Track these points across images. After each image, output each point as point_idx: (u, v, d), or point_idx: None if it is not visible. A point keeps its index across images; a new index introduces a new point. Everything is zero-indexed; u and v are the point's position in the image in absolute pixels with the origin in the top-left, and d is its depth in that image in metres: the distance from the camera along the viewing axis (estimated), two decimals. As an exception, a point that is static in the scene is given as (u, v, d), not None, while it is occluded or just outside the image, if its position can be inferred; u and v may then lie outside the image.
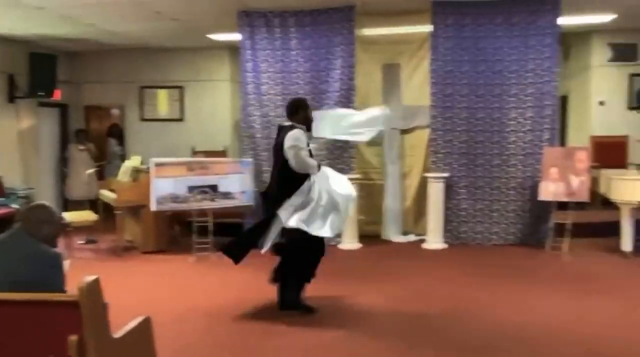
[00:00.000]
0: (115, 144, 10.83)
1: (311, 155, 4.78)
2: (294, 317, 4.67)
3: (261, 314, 4.82)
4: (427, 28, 7.59)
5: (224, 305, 5.08)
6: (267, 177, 7.77)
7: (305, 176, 4.64)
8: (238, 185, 7.29)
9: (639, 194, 6.40)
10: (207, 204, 7.06)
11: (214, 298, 5.33)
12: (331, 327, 4.46)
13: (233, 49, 9.63)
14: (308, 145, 4.76)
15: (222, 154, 9.87)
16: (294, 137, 4.62)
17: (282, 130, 4.78)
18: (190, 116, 10.81)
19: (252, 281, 5.91)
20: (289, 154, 4.60)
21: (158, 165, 6.92)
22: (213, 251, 6.97)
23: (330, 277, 5.99)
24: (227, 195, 7.23)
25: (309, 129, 4.88)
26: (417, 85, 7.95)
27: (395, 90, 8.10)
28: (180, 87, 10.82)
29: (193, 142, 10.34)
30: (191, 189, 7.02)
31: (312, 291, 5.09)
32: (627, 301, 5.01)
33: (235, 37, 8.16)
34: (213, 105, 10.69)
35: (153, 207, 6.85)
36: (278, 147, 4.74)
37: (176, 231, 8.18)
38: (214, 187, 7.16)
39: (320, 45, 7.74)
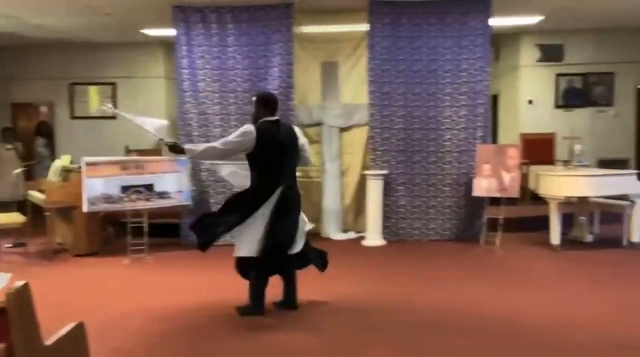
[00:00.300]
0: (43, 145, 10.40)
1: None
2: (233, 320, 4.61)
3: (198, 317, 4.73)
4: (365, 27, 7.67)
5: (160, 308, 4.95)
6: (205, 176, 7.69)
7: None
8: (175, 184, 7.14)
9: (566, 190, 6.68)
10: (142, 205, 6.87)
11: (149, 301, 5.19)
12: (274, 328, 4.43)
13: (168, 45, 9.43)
14: None
15: (157, 152, 9.64)
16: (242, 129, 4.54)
17: (283, 126, 4.65)
18: (124, 114, 10.50)
19: (189, 283, 5.82)
20: (308, 148, 4.73)
21: (90, 164, 6.68)
22: (149, 253, 6.82)
23: (271, 278, 5.97)
24: (163, 195, 7.07)
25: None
26: (356, 84, 8.02)
27: (334, 88, 8.14)
28: (112, 84, 10.50)
29: (127, 140, 10.05)
30: (125, 189, 6.82)
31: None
32: (556, 291, 5.22)
33: (170, 32, 7.98)
34: (148, 103, 10.43)
35: (85, 208, 6.61)
36: (294, 143, 4.61)
37: (110, 233, 7.93)
38: (149, 187, 6.98)
39: (258, 43, 7.68)
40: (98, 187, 6.66)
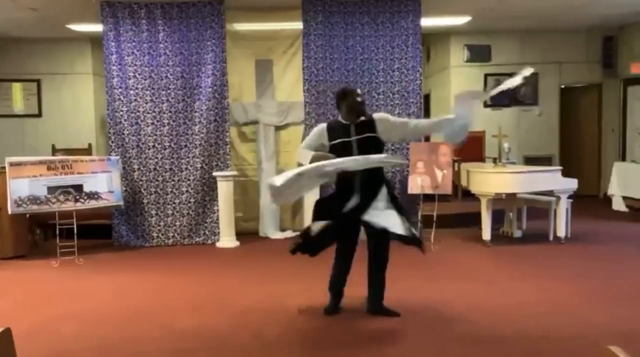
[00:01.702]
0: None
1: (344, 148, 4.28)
2: (168, 324, 4.50)
3: (132, 320, 4.59)
4: (299, 25, 7.66)
5: (92, 311, 4.77)
6: (137, 175, 7.47)
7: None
8: (105, 184, 6.92)
9: (495, 186, 6.90)
10: (71, 205, 6.62)
11: (80, 304, 5.00)
12: (211, 329, 4.35)
13: (95, 41, 9.10)
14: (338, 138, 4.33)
15: (86, 151, 9.32)
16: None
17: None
18: (49, 112, 10.08)
19: (122, 285, 5.65)
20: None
21: (13, 164, 6.37)
22: (79, 255, 6.57)
23: (212, 277, 5.90)
24: (93, 195, 6.84)
25: (360, 115, 4.36)
26: (291, 82, 8.01)
27: (269, 86, 8.09)
28: (37, 81, 10.04)
29: (53, 139, 9.64)
30: (52, 189, 6.54)
31: (190, 289, 4.92)
32: (486, 284, 5.39)
33: (98, 28, 7.70)
34: (75, 100, 10.05)
35: (10, 209, 6.30)
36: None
37: (37, 235, 7.58)
38: (78, 187, 6.74)
39: (190, 39, 7.53)
40: (23, 188, 6.40)
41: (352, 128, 4.35)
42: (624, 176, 9.44)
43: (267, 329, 4.31)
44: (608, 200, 9.75)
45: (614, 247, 6.92)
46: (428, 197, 7.41)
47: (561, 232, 7.10)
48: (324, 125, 4.50)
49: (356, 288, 4.68)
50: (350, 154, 4.22)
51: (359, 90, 4.49)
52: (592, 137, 11.07)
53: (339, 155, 4.17)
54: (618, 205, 9.51)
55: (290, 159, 8.11)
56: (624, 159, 10.30)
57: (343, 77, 7.69)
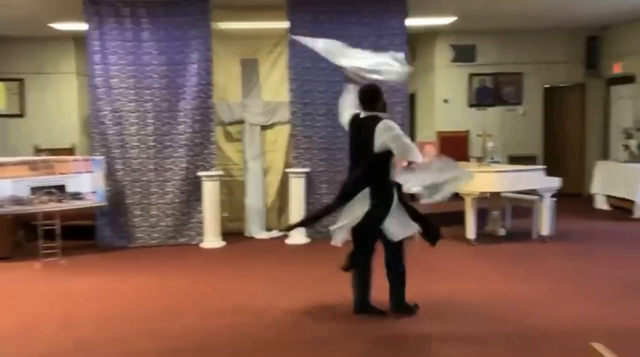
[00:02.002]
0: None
1: None
2: (153, 328, 4.47)
3: (114, 323, 4.54)
4: (285, 24, 7.63)
5: (73, 314, 4.72)
6: (121, 176, 7.42)
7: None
8: (88, 185, 6.86)
9: (479, 185, 6.92)
10: (53, 206, 6.54)
11: (62, 305, 4.95)
12: (196, 330, 4.32)
13: (79, 40, 9.00)
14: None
15: (69, 152, 9.25)
16: (392, 127, 4.29)
17: (364, 123, 4.41)
18: (33, 111, 9.98)
19: (105, 287, 5.60)
20: (393, 143, 4.23)
21: (-5, 165, 6.28)
22: (62, 256, 6.50)
23: (197, 278, 5.86)
24: (76, 195, 6.78)
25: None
26: (276, 81, 7.98)
27: (255, 85, 8.06)
28: (20, 80, 9.93)
29: (36, 139, 9.54)
30: (35, 190, 6.47)
31: (175, 290, 4.89)
32: (473, 283, 5.41)
33: (81, 27, 7.62)
34: (58, 99, 9.95)
35: (-9, 211, 6.21)
36: (366, 142, 4.31)
37: (20, 236, 7.47)
38: (61, 188, 6.67)
39: (175, 38, 7.48)
40: (6, 189, 6.34)
41: None
42: (606, 175, 9.53)
43: (253, 330, 4.29)
44: (591, 199, 9.84)
45: (597, 245, 6.99)
46: (413, 196, 7.40)
47: (545, 231, 7.15)
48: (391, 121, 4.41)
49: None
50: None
51: None
52: (576, 137, 11.17)
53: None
54: (601, 204, 9.61)
55: (276, 158, 8.09)
56: (606, 158, 10.40)
57: (329, 76, 7.65)
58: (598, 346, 2.12)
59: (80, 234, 7.49)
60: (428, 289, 5.25)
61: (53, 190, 6.60)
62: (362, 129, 4.41)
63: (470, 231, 7.02)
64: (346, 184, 4.59)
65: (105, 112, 7.43)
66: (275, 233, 7.88)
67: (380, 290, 4.57)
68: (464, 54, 10.48)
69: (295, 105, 7.64)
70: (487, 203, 7.59)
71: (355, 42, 7.59)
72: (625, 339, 3.73)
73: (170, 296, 5.24)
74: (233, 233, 7.76)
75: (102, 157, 7.24)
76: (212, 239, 7.35)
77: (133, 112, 7.47)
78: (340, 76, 7.59)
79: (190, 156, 7.47)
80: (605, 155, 10.57)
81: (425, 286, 5.35)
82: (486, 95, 10.66)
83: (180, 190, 7.49)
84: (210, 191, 7.33)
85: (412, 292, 5.04)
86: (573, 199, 10.15)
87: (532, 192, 7.21)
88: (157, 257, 6.90)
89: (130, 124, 7.46)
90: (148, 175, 7.48)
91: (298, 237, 7.45)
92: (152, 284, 5.67)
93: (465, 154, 9.87)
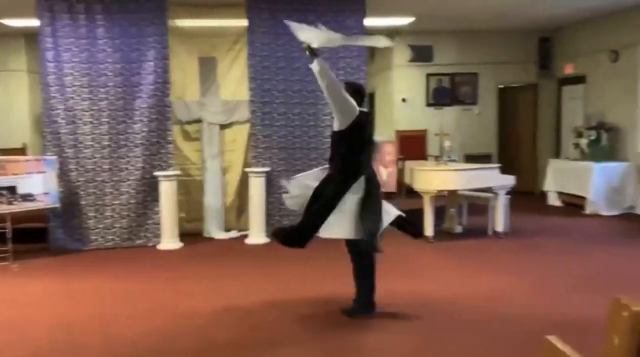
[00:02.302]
0: None
1: None
2: (110, 328, 4.37)
3: (68, 330, 4.42)
4: (243, 22, 7.58)
5: (26, 318, 4.58)
6: (75, 176, 7.23)
7: None
8: (40, 186, 6.66)
9: (437, 184, 7.04)
10: (4, 208, 6.33)
11: (14, 311, 4.79)
12: (155, 334, 4.25)
13: (30, 36, 8.74)
14: None
15: (20, 151, 8.96)
16: None
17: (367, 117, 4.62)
18: (-20, 110, 9.63)
19: (59, 291, 5.45)
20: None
21: (-60, 165, 6.04)
22: (13, 260, 6.29)
23: (154, 280, 5.76)
24: (27, 197, 6.57)
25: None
26: (235, 80, 7.92)
27: (213, 84, 7.97)
28: (-33, 78, 9.59)
29: (-16, 139, 9.22)
30: (-16, 191, 6.24)
31: (131, 293, 4.77)
32: (431, 279, 5.49)
33: (33, 23, 7.40)
34: (8, 97, 9.65)
35: None
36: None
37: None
38: (12, 189, 6.46)
39: (130, 35, 7.33)
40: (-50, 191, 6.06)
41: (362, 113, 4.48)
42: (558, 173, 9.81)
43: (213, 332, 4.24)
44: (544, 196, 10.11)
45: (550, 240, 7.18)
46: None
47: (500, 227, 7.31)
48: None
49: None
50: (365, 134, 4.46)
51: None
52: (529, 136, 11.46)
53: (356, 132, 4.35)
54: (553, 200, 9.88)
55: (235, 157, 8.03)
56: (558, 156, 10.70)
57: (288, 75, 7.67)
58: (553, 339, 2.16)
59: (32, 237, 7.26)
60: (387, 287, 5.29)
61: (3, 191, 6.40)
62: (368, 123, 4.65)
63: (429, 228, 7.11)
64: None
65: (58, 111, 7.23)
66: (234, 233, 7.82)
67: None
68: (421, 54, 10.61)
69: (255, 104, 7.59)
70: (445, 201, 7.71)
71: (315, 41, 7.67)
72: (579, 331, 3.84)
73: (127, 299, 5.13)
74: (191, 234, 7.66)
75: (54, 157, 7.04)
76: (169, 241, 7.23)
77: (87, 111, 7.29)
78: (300, 75, 7.65)
79: (146, 156, 7.34)
80: (557, 153, 10.87)
81: (384, 284, 5.39)
82: (443, 95, 10.82)
83: (136, 190, 7.35)
84: (167, 191, 7.22)
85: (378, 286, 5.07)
86: (526, 197, 10.41)
87: (487, 190, 7.36)
88: (112, 259, 6.76)
89: (84, 122, 7.28)
90: (102, 175, 7.32)
91: (258, 237, 7.41)
92: (107, 287, 5.54)
93: (424, 152, 10.01)
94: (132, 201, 7.35)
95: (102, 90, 7.29)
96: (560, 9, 9.02)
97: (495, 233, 7.34)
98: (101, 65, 7.29)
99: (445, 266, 6.10)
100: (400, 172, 8.24)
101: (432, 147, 10.06)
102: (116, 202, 7.33)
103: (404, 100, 10.65)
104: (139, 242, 7.38)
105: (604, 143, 9.14)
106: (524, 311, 4.51)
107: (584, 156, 9.42)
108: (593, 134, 9.16)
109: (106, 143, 7.31)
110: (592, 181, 8.81)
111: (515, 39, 10.85)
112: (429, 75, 10.73)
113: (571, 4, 8.66)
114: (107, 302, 5.03)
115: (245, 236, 7.57)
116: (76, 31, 7.25)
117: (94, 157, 7.30)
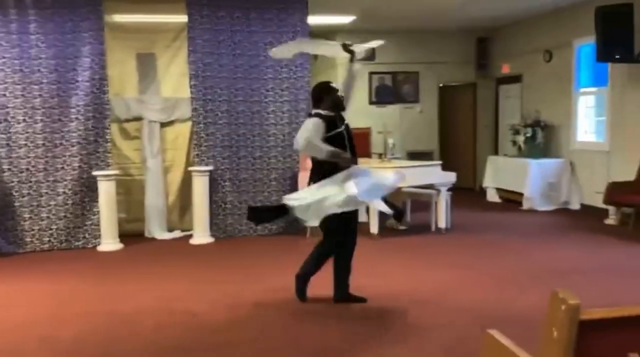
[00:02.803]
0: None
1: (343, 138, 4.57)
2: (48, 333, 4.20)
3: (3, 332, 4.23)
4: (183, 18, 7.43)
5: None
6: (8, 176, 6.94)
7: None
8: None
9: (382, 180, 7.11)
10: None
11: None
12: (95, 337, 4.11)
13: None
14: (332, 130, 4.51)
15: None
16: (305, 127, 4.47)
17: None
18: None
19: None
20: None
21: None
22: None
23: (93, 283, 5.57)
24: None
25: (341, 109, 4.66)
26: (176, 77, 7.75)
27: (153, 81, 7.78)
28: None
29: None
30: None
31: (70, 297, 4.61)
32: (377, 276, 5.54)
33: (-41, 15, 7.02)
34: None
35: None
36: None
37: None
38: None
39: (65, 31, 7.06)
40: None
41: (338, 119, 4.60)
42: (496, 169, 10.11)
43: (154, 334, 4.14)
44: (483, 192, 10.40)
45: (490, 236, 7.38)
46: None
47: (442, 224, 7.46)
48: (318, 119, 4.51)
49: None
50: (343, 143, 4.54)
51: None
52: (468, 133, 11.76)
53: (333, 145, 4.43)
54: (492, 196, 10.17)
55: (177, 156, 7.87)
56: (496, 153, 11.02)
57: (231, 73, 7.57)
58: (494, 332, 2.21)
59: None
60: (328, 282, 5.31)
61: None
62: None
63: (373, 226, 7.18)
64: None
65: (-12, 109, 6.90)
66: (177, 233, 7.67)
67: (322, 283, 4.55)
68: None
69: (197, 102, 7.46)
70: (389, 198, 7.78)
71: (256, 38, 7.62)
72: (520, 324, 3.95)
73: (65, 303, 4.95)
74: (132, 235, 7.46)
75: (-16, 157, 6.71)
76: (109, 242, 7.02)
77: (20, 109, 6.98)
78: (243, 72, 7.57)
79: (83, 155, 7.10)
80: (495, 150, 11.20)
81: (329, 282, 5.41)
82: (386, 93, 10.96)
83: (74, 191, 7.10)
84: (106, 191, 7.01)
85: (317, 287, 5.08)
86: (467, 193, 10.68)
87: (429, 186, 7.50)
88: (49, 262, 6.51)
89: (17, 121, 6.97)
90: (38, 175, 7.03)
91: (202, 236, 7.30)
92: (44, 291, 5.33)
93: (368, 150, 10.09)
94: (70, 202, 7.10)
95: (36, 87, 7.01)
96: (496, 10, 9.28)
97: (438, 229, 7.48)
98: (34, 62, 7.00)
99: (389, 263, 6.17)
100: (345, 170, 8.25)
101: (375, 145, 10.16)
102: (52, 203, 7.06)
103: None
104: (77, 244, 7.14)
105: (539, 140, 9.46)
106: (466, 305, 4.62)
107: (520, 153, 9.73)
108: (529, 132, 9.47)
109: (41, 142, 7.03)
110: (529, 177, 9.11)
111: (454, 39, 11.10)
112: (371, 73, 10.84)
113: (506, 5, 8.92)
114: (44, 306, 4.84)
115: (190, 236, 7.44)
116: (7, 26, 6.93)
117: (28, 157, 7.00)
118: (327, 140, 4.44)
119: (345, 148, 4.53)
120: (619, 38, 7.35)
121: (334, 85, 4.76)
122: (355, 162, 4.63)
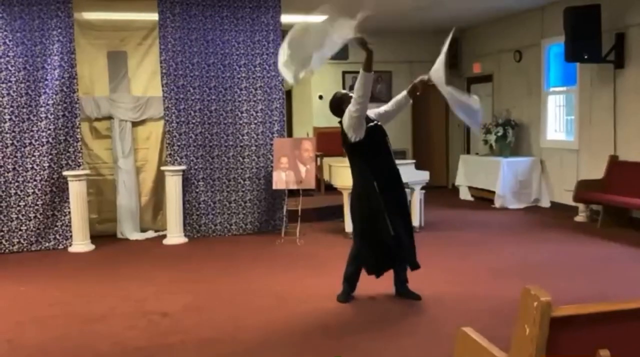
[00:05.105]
0: None
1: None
2: (15, 336, 4.12)
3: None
4: (154, 16, 7.34)
5: None
6: (-27, 177, 6.77)
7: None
8: None
9: (355, 179, 7.12)
10: None
11: None
12: (64, 341, 4.04)
13: None
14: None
15: None
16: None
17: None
18: None
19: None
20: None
21: None
22: None
23: (64, 285, 5.48)
24: None
25: None
26: (148, 75, 7.66)
27: (123, 79, 7.68)
28: None
29: None
30: None
31: (40, 299, 4.52)
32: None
33: None
34: None
35: None
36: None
37: None
38: None
39: (33, 28, 6.92)
40: None
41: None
42: (469, 168, 10.23)
43: (127, 336, 4.09)
44: (456, 190, 10.51)
45: (463, 233, 7.47)
46: (293, 192, 7.48)
47: (416, 222, 7.49)
48: None
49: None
50: (381, 138, 4.91)
51: None
52: (441, 132, 11.86)
53: (372, 138, 4.81)
54: (464, 194, 10.29)
55: (150, 155, 7.80)
56: (468, 152, 11.14)
57: (204, 71, 7.51)
58: (467, 330, 2.24)
59: None
60: (306, 282, 5.32)
61: None
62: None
63: (348, 225, 7.18)
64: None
65: (-46, 108, 6.73)
66: (150, 234, 7.59)
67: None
68: (337, 52, 10.68)
69: (169, 100, 7.39)
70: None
71: (229, 36, 7.57)
72: (493, 321, 4.00)
73: (35, 304, 4.86)
74: (104, 235, 7.36)
75: (-50, 157, 6.55)
76: (80, 243, 6.91)
77: (-13, 108, 6.83)
78: (215, 71, 7.52)
79: (53, 154, 6.98)
80: (467, 149, 11.32)
81: (303, 280, 5.41)
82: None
83: (43, 191, 6.97)
84: (77, 191, 6.89)
85: (291, 286, 5.09)
86: (439, 191, 10.79)
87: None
88: (19, 264, 6.38)
89: (-16, 120, 6.82)
90: (6, 175, 6.89)
91: (176, 236, 7.24)
92: (13, 293, 5.22)
93: (341, 149, 10.09)
94: (40, 202, 6.97)
95: (4, 86, 6.86)
96: (465, 11, 9.37)
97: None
98: (1, 60, 6.85)
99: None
100: (319, 169, 8.29)
101: (349, 144, 10.16)
102: (22, 203, 6.93)
103: (320, 97, 10.72)
104: (47, 245, 7.02)
105: (510, 139, 9.59)
106: (439, 303, 4.66)
107: (492, 152, 9.85)
108: (500, 130, 9.59)
109: (9, 142, 6.89)
110: (500, 176, 9.24)
111: (426, 38, 11.15)
112: (344, 72, 10.86)
113: (477, 5, 9.01)
114: (13, 308, 4.75)
115: (163, 236, 7.36)
116: (-28, 23, 6.78)
117: (-4, 157, 6.86)
118: (368, 132, 4.68)
119: (381, 141, 4.87)
120: (588, 38, 7.49)
121: (345, 92, 5.03)
122: (392, 161, 4.92)
